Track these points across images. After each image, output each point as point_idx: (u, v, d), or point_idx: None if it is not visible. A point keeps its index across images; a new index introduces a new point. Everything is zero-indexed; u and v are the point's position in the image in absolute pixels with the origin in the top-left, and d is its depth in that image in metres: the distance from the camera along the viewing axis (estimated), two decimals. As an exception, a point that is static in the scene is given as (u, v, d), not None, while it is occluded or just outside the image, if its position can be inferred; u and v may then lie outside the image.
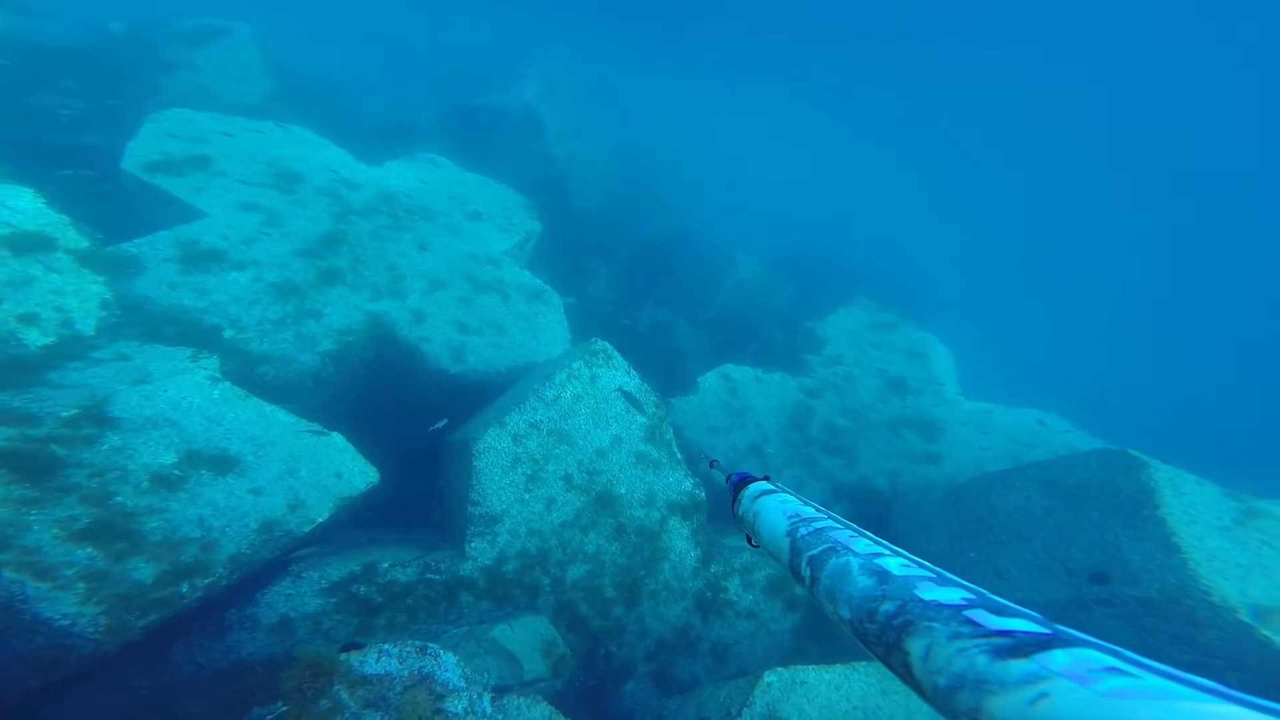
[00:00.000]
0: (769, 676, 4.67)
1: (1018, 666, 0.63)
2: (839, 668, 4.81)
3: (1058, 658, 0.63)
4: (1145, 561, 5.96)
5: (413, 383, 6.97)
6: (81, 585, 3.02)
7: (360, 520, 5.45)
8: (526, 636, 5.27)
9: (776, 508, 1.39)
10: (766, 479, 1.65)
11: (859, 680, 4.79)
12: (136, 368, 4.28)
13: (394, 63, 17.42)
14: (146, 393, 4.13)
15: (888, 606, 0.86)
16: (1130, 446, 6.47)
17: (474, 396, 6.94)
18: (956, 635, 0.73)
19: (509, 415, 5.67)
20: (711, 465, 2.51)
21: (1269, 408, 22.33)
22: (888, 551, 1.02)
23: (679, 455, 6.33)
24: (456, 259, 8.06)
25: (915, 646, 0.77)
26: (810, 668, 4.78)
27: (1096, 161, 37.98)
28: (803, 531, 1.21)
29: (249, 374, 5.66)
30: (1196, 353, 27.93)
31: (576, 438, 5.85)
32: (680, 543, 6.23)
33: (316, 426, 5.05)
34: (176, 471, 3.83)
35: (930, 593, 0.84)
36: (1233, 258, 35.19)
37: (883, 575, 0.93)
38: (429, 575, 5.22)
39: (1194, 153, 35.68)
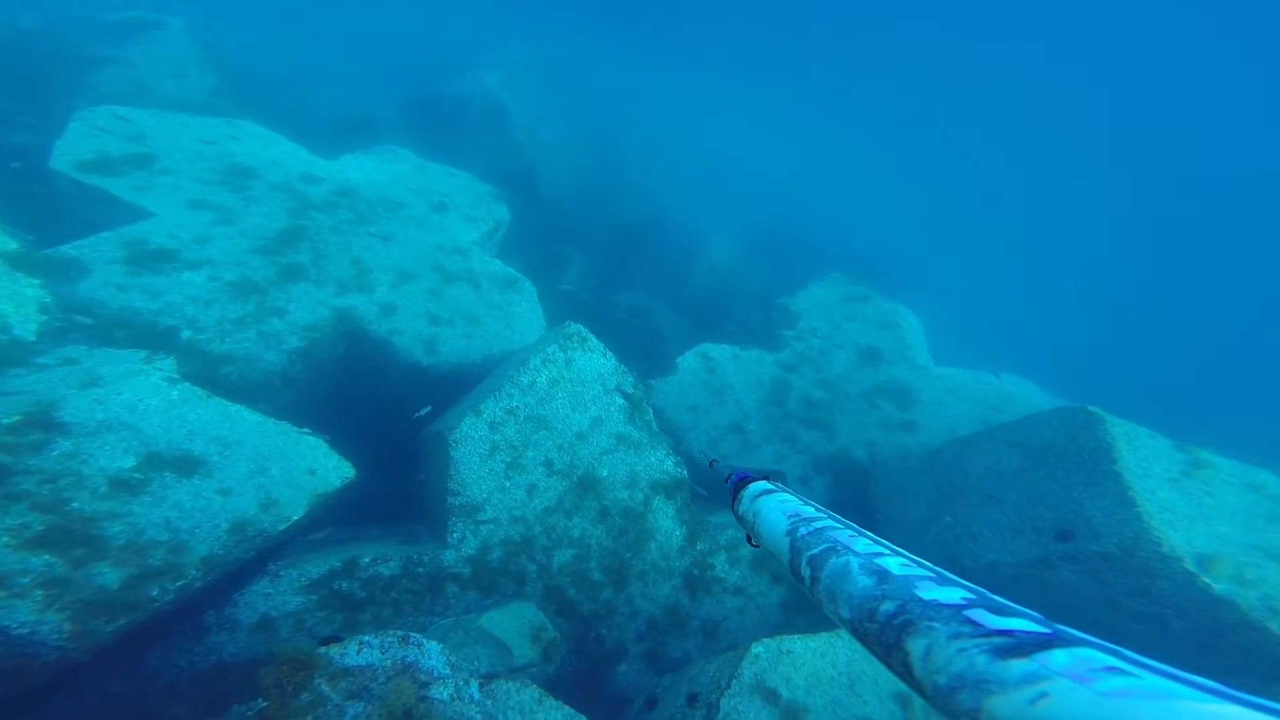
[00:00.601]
0: (756, 648, 4.73)
1: (1018, 666, 0.63)
2: (824, 636, 4.90)
3: (1058, 657, 0.63)
4: (1105, 517, 6.18)
5: (386, 377, 6.83)
6: (39, 593, 2.89)
7: (339, 518, 5.35)
8: (514, 623, 5.25)
9: (776, 507, 1.39)
10: (766, 478, 1.65)
11: (843, 647, 4.89)
12: (86, 371, 4.09)
13: (347, 55, 16.90)
14: (98, 396, 3.96)
15: (888, 606, 0.86)
16: (1089, 404, 6.68)
17: (450, 388, 6.84)
18: (956, 635, 0.73)
19: (484, 403, 5.60)
20: (711, 465, 2.50)
21: (1217, 365, 23.41)
22: (888, 551, 1.02)
23: (660, 434, 6.34)
24: (424, 251, 7.89)
25: (915, 646, 0.76)
26: (796, 637, 4.86)
27: (1059, 137, 38.93)
28: (802, 531, 1.21)
29: (212, 375, 5.47)
30: (1152, 315, 29.04)
31: (555, 422, 5.81)
32: (665, 522, 6.26)
33: (286, 424, 4.91)
34: (137, 475, 3.69)
35: (930, 592, 0.84)
36: (1188, 226, 36.50)
37: (883, 575, 0.93)
38: (413, 568, 5.15)
39: (1150, 119, 36.78)
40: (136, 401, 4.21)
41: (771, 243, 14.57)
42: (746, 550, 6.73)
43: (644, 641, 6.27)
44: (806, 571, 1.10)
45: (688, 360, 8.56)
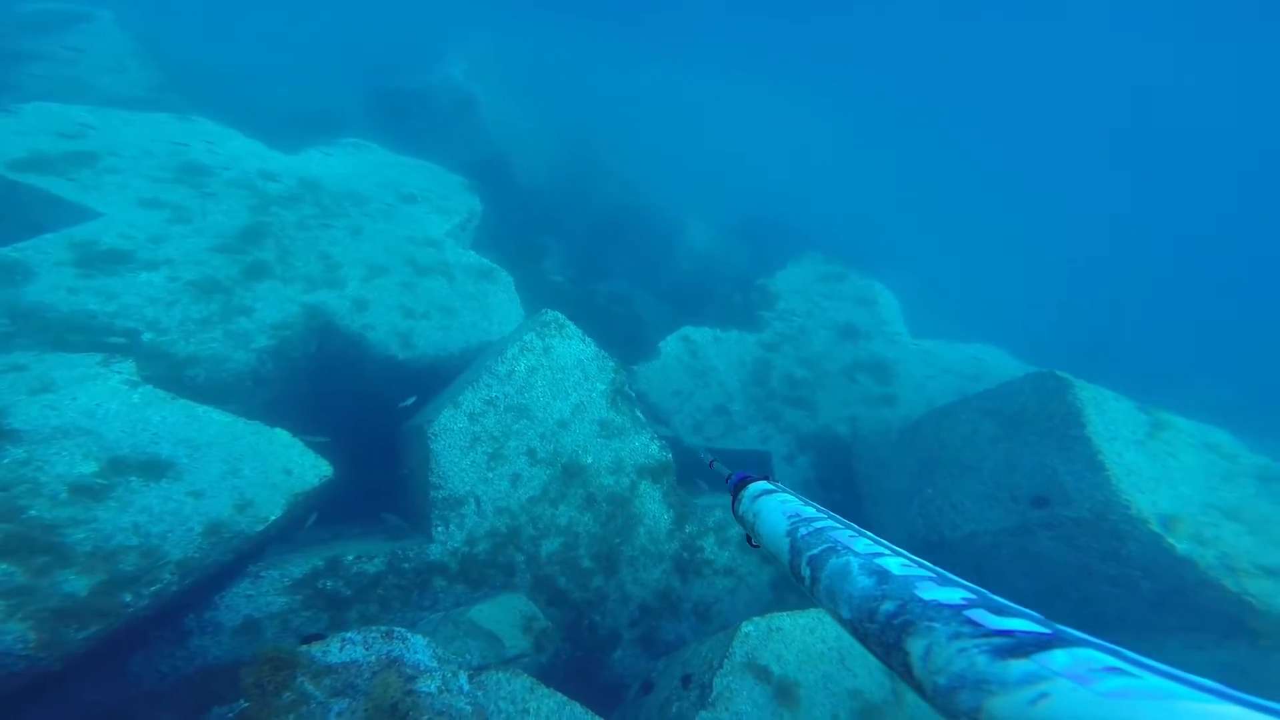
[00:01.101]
0: (747, 626, 4.76)
1: (1018, 666, 0.63)
2: (812, 612, 4.94)
3: (1058, 657, 0.63)
4: (1077, 482, 6.33)
5: (361, 373, 6.68)
6: (0, 602, 2.76)
7: (322, 517, 5.23)
8: (505, 615, 5.20)
9: (776, 507, 1.39)
10: (766, 478, 1.65)
11: (832, 622, 4.94)
12: (36, 377, 3.90)
13: (302, 50, 16.36)
14: (50, 402, 3.77)
15: (888, 606, 0.86)
16: (1058, 369, 6.82)
17: (428, 381, 6.71)
18: (957, 635, 0.73)
19: (463, 395, 5.50)
20: (711, 465, 2.51)
21: (1179, 328, 24.25)
22: (888, 551, 1.02)
23: (643, 418, 6.31)
24: (394, 244, 7.71)
25: (915, 646, 0.76)
26: (785, 614, 4.90)
27: (1030, 114, 39.59)
28: (803, 531, 1.21)
29: (178, 377, 5.28)
30: (1113, 282, 29.86)
31: (536, 411, 5.74)
32: (653, 506, 6.25)
33: (258, 424, 4.77)
34: (100, 480, 3.54)
35: (930, 592, 0.84)
36: (1154, 193, 37.49)
37: (883, 575, 0.93)
38: (398, 564, 5.06)
39: (1106, 93, 37.57)
40: (94, 406, 4.03)
41: (751, 226, 14.58)
42: (735, 530, 6.76)
43: (637, 627, 6.27)
44: (806, 572, 1.10)
45: (670, 344, 8.53)
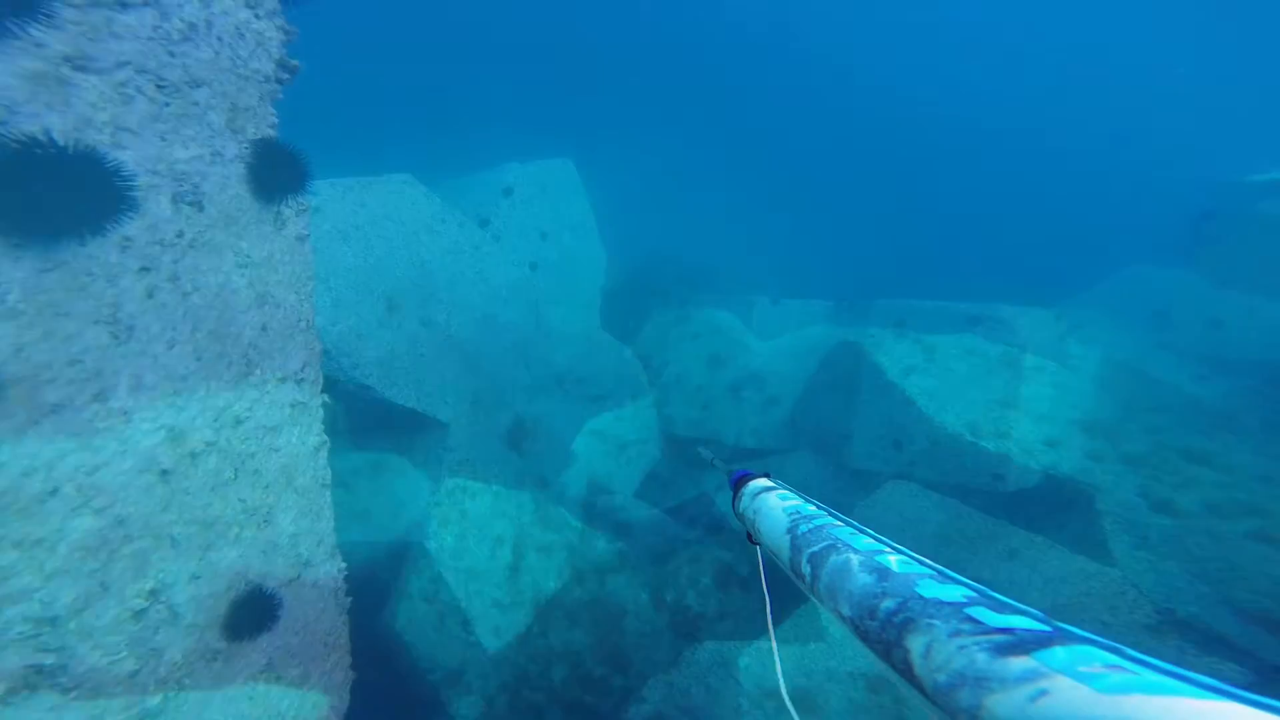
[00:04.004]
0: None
1: (1018, 664, 0.63)
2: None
3: (1058, 655, 0.63)
4: (906, 420, 7.54)
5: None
6: None
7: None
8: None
9: (776, 505, 1.39)
10: (767, 476, 1.66)
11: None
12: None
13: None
14: None
15: (888, 604, 0.85)
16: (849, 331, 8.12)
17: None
18: (957, 632, 0.73)
19: (409, 581, 5.79)
20: (712, 464, 2.53)
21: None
22: (888, 549, 1.01)
23: (579, 524, 6.84)
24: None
25: (915, 644, 0.76)
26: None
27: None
28: (803, 529, 1.20)
29: None
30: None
31: (481, 567, 6.13)
32: (627, 593, 6.70)
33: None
34: None
35: (931, 590, 0.84)
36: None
37: (883, 572, 0.93)
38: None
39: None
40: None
41: (621, 305, 15.74)
42: (704, 579, 7.25)
43: (670, 703, 6.53)
44: (807, 569, 1.09)
45: (581, 443, 9.22)
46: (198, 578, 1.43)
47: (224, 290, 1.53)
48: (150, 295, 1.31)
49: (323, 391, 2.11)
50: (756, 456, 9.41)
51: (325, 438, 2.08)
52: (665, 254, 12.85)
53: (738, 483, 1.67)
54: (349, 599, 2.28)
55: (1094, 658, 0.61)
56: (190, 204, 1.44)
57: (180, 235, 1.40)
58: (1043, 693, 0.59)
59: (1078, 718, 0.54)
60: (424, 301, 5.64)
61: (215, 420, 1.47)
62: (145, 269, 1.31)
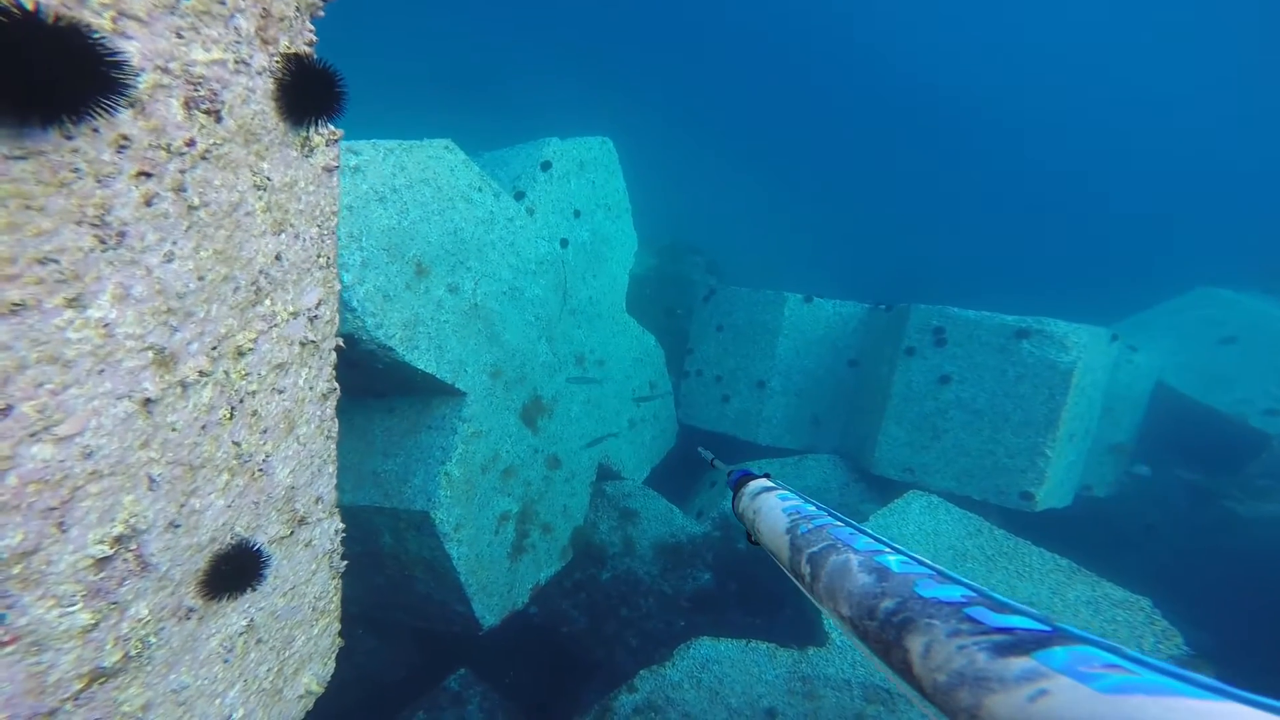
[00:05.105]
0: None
1: (1017, 664, 0.63)
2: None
3: (1057, 655, 0.63)
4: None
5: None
6: None
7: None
8: None
9: (776, 505, 1.39)
10: (767, 476, 1.67)
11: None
12: None
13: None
14: None
15: (887, 604, 0.85)
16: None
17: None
18: (956, 632, 0.73)
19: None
20: (712, 463, 2.55)
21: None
22: (888, 549, 1.01)
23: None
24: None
25: (915, 644, 0.76)
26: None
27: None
28: (803, 529, 1.20)
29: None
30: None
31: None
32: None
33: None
34: None
35: (930, 590, 0.84)
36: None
37: (882, 572, 0.93)
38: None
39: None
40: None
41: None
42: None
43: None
44: (807, 569, 1.09)
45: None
46: (177, 526, 1.29)
47: (237, 210, 1.38)
48: (149, 203, 1.15)
49: (337, 335, 1.96)
50: (775, 455, 9.22)
51: (335, 385, 1.93)
52: (696, 243, 12.66)
53: (737, 483, 1.65)
54: (344, 562, 2.14)
55: (1093, 657, 0.61)
56: (206, 112, 1.28)
57: (191, 144, 1.25)
58: (1042, 692, 0.58)
59: (1077, 717, 0.54)
60: (453, 268, 5.52)
61: (214, 349, 1.32)
62: (145, 174, 1.15)
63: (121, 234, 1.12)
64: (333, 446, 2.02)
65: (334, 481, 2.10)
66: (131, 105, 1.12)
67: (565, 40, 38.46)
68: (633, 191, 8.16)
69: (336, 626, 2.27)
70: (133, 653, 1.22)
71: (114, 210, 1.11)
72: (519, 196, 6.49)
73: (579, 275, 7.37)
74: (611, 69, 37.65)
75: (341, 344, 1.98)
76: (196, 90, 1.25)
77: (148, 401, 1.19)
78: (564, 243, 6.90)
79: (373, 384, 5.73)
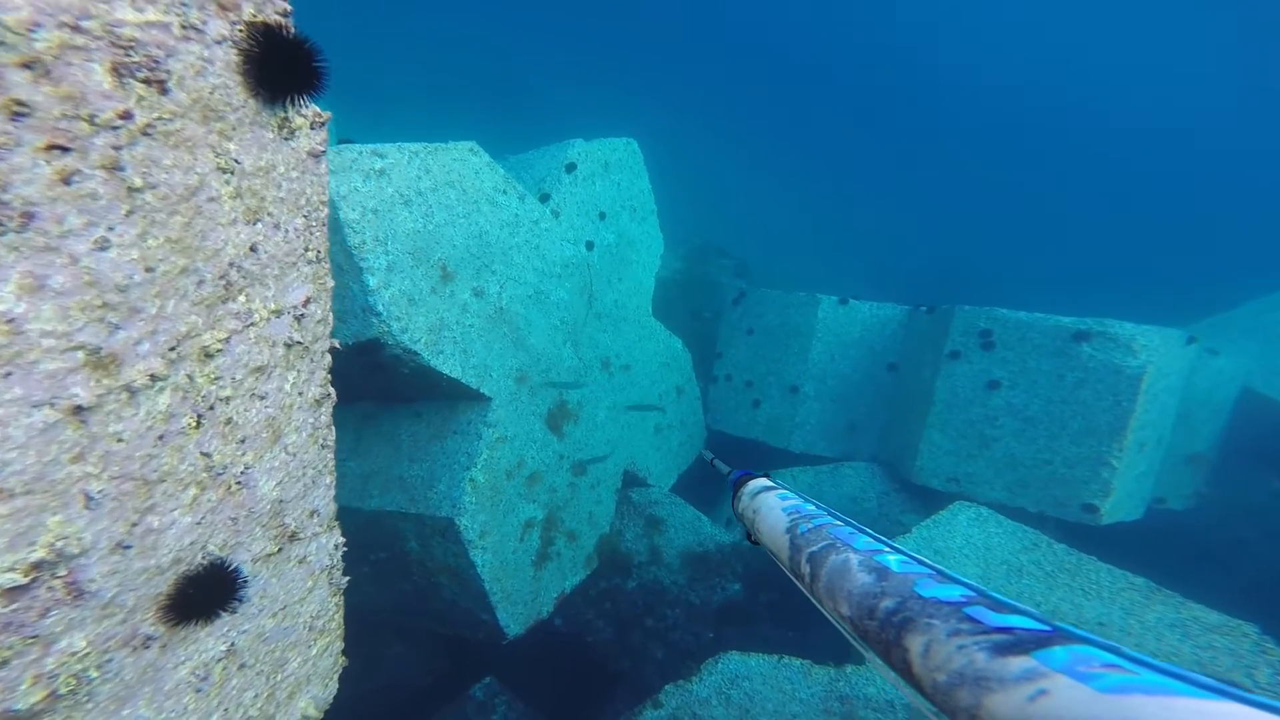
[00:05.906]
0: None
1: (1017, 663, 0.63)
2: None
3: (1057, 654, 0.63)
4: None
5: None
6: None
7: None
8: None
9: (776, 504, 1.38)
10: (766, 475, 1.66)
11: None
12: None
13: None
14: None
15: (887, 604, 0.86)
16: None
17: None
18: (956, 632, 0.73)
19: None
20: (712, 463, 2.54)
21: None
22: (888, 548, 1.02)
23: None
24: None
25: (914, 643, 0.76)
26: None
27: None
28: (803, 529, 1.20)
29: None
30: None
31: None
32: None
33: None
34: None
35: (930, 589, 0.84)
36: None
37: (882, 572, 0.93)
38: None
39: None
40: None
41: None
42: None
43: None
44: (806, 569, 1.09)
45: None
46: (127, 548, 1.15)
47: (197, 195, 1.24)
48: (66, 181, 1.01)
49: (332, 336, 1.81)
50: (809, 463, 8.85)
51: (330, 390, 1.79)
52: (725, 245, 12.41)
53: (737, 483, 1.64)
54: (346, 578, 2.00)
55: (1093, 657, 0.61)
56: (145, 81, 1.14)
57: (128, 117, 1.11)
58: (1042, 692, 0.58)
59: (1077, 717, 0.54)
60: (478, 272, 5.45)
61: (172, 350, 1.18)
62: (58, 147, 1.01)
63: (29, 215, 0.98)
64: (329, 456, 1.88)
65: (332, 493, 1.96)
66: (27, 66, 0.96)
67: (590, 42, 38.91)
68: (658, 193, 8.02)
69: (339, 646, 2.14)
70: (62, 690, 1.08)
71: (11, 188, 0.96)
72: (544, 199, 6.40)
73: (604, 278, 7.22)
74: (637, 70, 37.84)
75: (337, 345, 1.85)
76: (128, 55, 1.11)
77: (78, 409, 1.04)
78: (589, 245, 6.77)
79: (400, 389, 5.70)
